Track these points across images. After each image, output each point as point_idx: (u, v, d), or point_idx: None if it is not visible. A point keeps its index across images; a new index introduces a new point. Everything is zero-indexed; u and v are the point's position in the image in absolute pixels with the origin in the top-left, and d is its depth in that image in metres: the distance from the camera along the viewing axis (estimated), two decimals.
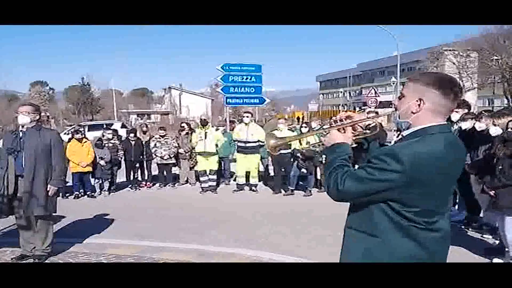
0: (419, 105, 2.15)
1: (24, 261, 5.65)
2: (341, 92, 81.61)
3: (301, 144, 9.75)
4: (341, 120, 2.44)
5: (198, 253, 6.07)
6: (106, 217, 8.45)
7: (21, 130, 5.57)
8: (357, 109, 47.75)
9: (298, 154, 10.26)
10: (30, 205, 5.45)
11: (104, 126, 24.45)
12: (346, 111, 2.61)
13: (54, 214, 5.89)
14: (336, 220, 7.89)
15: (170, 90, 70.45)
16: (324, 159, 2.57)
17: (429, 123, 2.15)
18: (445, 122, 2.20)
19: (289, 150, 10.39)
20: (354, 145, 2.45)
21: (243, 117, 11.52)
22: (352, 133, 2.41)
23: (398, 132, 9.63)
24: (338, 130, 2.39)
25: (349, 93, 80.00)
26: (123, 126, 29.14)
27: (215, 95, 65.24)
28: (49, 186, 5.58)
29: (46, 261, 5.66)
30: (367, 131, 2.47)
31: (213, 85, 65.23)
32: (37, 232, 5.68)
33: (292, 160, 10.56)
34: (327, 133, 2.42)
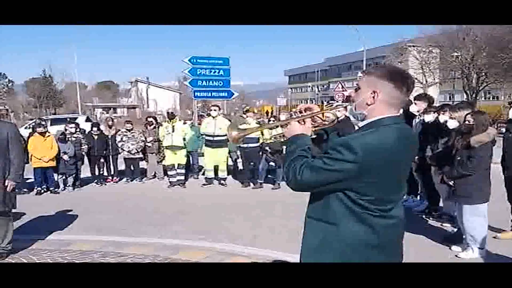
0: (373, 97, 2.22)
1: None
2: (309, 86, 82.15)
3: (262, 135, 9.78)
4: (300, 112, 2.50)
5: (163, 247, 6.02)
6: (69, 213, 8.28)
7: None
8: (325, 103, 48.31)
9: (267, 148, 10.29)
10: None
11: (68, 120, 23.91)
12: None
13: (13, 210, 5.72)
14: (302, 212, 8.00)
15: (137, 83, 69.57)
16: (284, 150, 2.65)
17: (383, 114, 2.22)
18: (398, 114, 2.28)
19: (258, 144, 10.41)
20: (314, 136, 2.49)
21: (211, 110, 11.43)
22: (312, 124, 2.46)
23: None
24: (298, 121, 2.42)
25: (317, 87, 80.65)
26: (87, 120, 28.54)
27: (183, 88, 64.78)
28: (7, 181, 5.40)
29: (7, 259, 5.50)
30: (326, 122, 2.54)
31: (181, 78, 64.74)
32: None
33: (260, 153, 10.58)
34: (288, 125, 2.45)
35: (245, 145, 10.43)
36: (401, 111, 3.25)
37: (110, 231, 7.01)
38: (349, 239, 2.16)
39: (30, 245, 6.07)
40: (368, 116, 2.25)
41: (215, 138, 10.84)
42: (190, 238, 6.55)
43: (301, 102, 70.94)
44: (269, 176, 11.12)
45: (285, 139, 2.45)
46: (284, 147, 10.00)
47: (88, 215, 8.05)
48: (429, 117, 7.09)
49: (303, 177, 2.15)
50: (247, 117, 10.94)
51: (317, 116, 2.50)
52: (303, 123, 2.42)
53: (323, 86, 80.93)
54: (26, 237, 6.36)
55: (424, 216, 7.43)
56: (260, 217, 7.85)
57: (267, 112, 43.82)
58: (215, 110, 11.10)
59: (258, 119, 12.51)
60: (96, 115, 48.03)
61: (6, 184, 5.38)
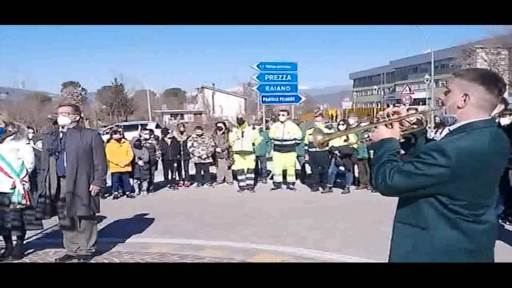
0: (464, 100, 2.20)
1: (69, 261, 5.70)
2: (375, 89, 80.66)
3: (348, 139, 9.64)
4: (388, 116, 2.47)
5: (240, 250, 6.10)
6: (146, 216, 8.56)
7: (61, 131, 5.62)
8: (391, 106, 47.34)
9: (336, 152, 10.18)
10: (74, 205, 5.52)
11: (139, 126, 24.79)
12: (382, 108, 2.61)
13: (97, 214, 5.97)
14: (373, 216, 7.87)
15: (203, 89, 70.99)
16: (372, 154, 2.62)
17: (475, 118, 2.19)
18: (490, 117, 2.25)
19: (327, 148, 10.32)
20: (402, 140, 2.47)
21: (279, 115, 11.50)
22: (400, 128, 2.44)
23: (436, 129, 9.52)
24: (386, 125, 2.42)
25: (383, 90, 79.07)
26: (157, 126, 29.47)
27: (248, 94, 65.45)
28: (91, 186, 5.63)
29: (92, 261, 5.73)
30: (415, 126, 2.50)
31: (245, 84, 65.39)
32: (81, 232, 5.74)
33: (329, 157, 10.48)
34: (375, 129, 2.45)
35: (313, 149, 10.39)
36: None
37: (185, 234, 7.19)
38: (442, 245, 2.15)
39: (111, 247, 6.32)
40: (459, 119, 2.23)
41: (284, 143, 10.88)
42: (261, 242, 6.62)
43: (366, 105, 69.78)
44: (338, 180, 11.00)
45: (372, 143, 2.45)
46: (356, 152, 9.93)
47: (163, 219, 8.29)
48: (505, 120, 6.92)
49: (393, 181, 2.15)
50: (316, 121, 10.92)
51: (405, 120, 2.47)
52: (390, 127, 2.41)
53: (388, 89, 79.30)
54: (107, 240, 6.60)
55: (500, 221, 7.14)
56: (330, 222, 7.78)
57: (332, 116, 43.33)
58: (283, 115, 11.14)
59: (326, 123, 12.42)
60: (164, 122, 49.41)
61: (90, 189, 5.62)
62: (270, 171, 12.19)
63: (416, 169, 2.11)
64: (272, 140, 11.28)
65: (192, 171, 12.24)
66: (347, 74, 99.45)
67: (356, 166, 10.67)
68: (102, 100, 65.58)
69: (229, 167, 11.99)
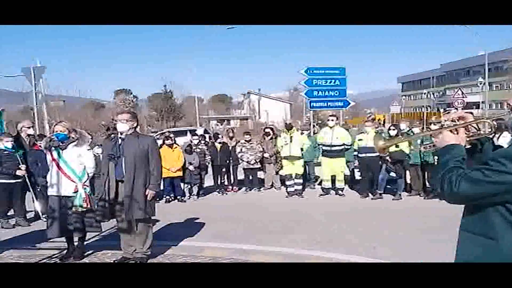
0: None
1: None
2: (425, 93, 78.95)
3: (410, 145, 9.46)
4: (453, 121, 2.41)
5: (289, 256, 6.11)
6: (196, 220, 8.70)
7: (120, 137, 5.81)
8: (441, 110, 46.14)
9: (387, 157, 10.03)
10: (131, 209, 5.67)
11: (188, 132, 25.18)
12: (432, 113, 2.56)
13: (152, 217, 6.13)
14: (426, 224, 7.69)
15: (249, 95, 71.41)
16: (436, 160, 2.58)
17: None
18: None
19: (377, 153, 10.20)
20: (468, 146, 2.39)
21: (327, 120, 11.45)
22: (466, 134, 2.37)
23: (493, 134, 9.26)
24: (451, 131, 2.35)
25: (433, 94, 77.24)
26: (205, 131, 29.82)
27: (293, 99, 65.37)
28: (147, 190, 5.77)
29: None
30: (481, 132, 2.42)
31: (291, 89, 65.41)
32: (138, 235, 5.89)
33: (380, 163, 10.34)
34: (439, 134, 2.38)
35: (363, 155, 10.30)
36: None
37: (234, 238, 7.27)
38: (510, 255, 2.04)
39: (165, 250, 6.45)
40: None
41: (333, 148, 10.82)
42: (312, 248, 6.61)
43: (415, 109, 68.29)
44: (388, 186, 10.84)
45: (436, 149, 2.39)
46: (407, 157, 9.76)
47: (213, 223, 8.40)
48: None
49: (460, 189, 2.07)
50: (366, 126, 10.85)
51: (471, 126, 2.41)
52: (456, 132, 2.34)
53: (438, 92, 77.41)
54: (161, 243, 6.72)
55: None
56: (380, 228, 7.69)
57: (379, 121, 42.60)
58: (332, 120, 11.09)
59: (376, 127, 12.26)
60: (211, 127, 49.97)
61: (146, 193, 5.77)
62: (318, 177, 12.14)
63: (484, 176, 2.03)
64: (321, 146, 11.25)
65: (240, 176, 12.36)
66: (395, 78, 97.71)
67: (408, 172, 10.49)
68: (152, 106, 66.83)
69: (277, 172, 12.03)
